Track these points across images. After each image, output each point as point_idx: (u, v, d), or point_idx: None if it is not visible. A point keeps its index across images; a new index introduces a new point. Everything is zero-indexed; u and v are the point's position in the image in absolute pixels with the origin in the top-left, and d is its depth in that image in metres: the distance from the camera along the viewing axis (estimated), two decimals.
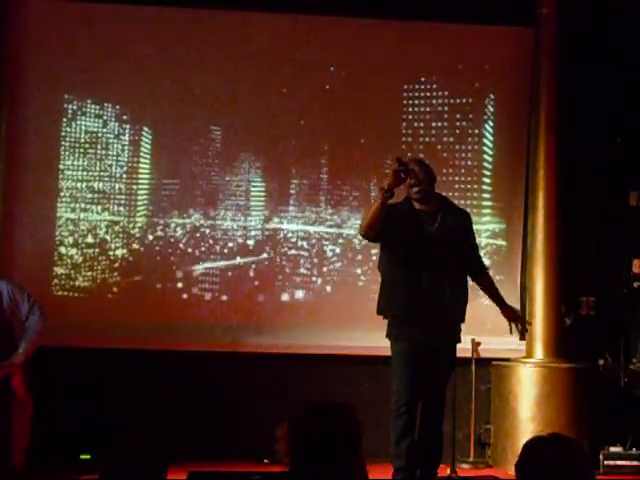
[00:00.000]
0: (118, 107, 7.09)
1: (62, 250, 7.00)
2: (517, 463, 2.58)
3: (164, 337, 6.91)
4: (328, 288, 7.21)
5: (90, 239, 7.03)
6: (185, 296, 7.07)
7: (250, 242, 7.20)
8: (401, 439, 5.33)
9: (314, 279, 7.22)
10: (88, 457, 6.34)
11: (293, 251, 7.24)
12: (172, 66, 7.13)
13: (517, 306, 7.16)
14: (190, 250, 7.13)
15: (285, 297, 7.19)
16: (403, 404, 5.34)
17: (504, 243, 7.34)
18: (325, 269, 7.23)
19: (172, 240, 7.11)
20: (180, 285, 7.08)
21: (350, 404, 2.68)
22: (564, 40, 6.97)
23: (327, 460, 2.53)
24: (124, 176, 7.10)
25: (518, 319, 5.62)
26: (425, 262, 5.36)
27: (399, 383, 5.38)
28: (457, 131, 7.33)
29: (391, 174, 5.29)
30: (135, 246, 7.08)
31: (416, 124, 7.31)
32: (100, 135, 7.09)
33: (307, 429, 2.57)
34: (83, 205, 7.04)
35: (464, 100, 7.32)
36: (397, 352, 5.44)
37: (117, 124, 7.09)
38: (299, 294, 7.20)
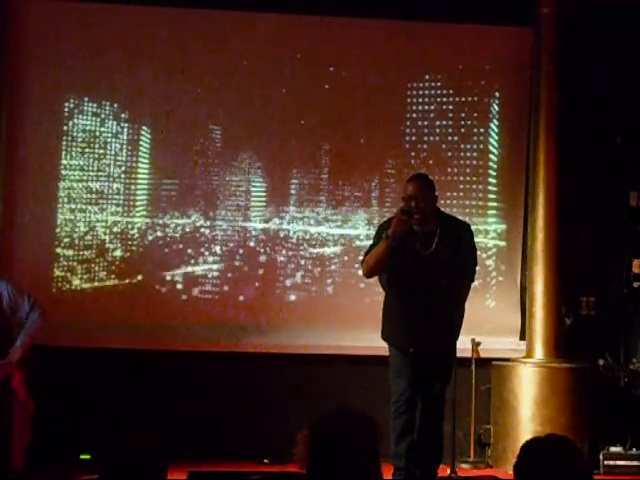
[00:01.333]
0: (117, 106, 7.07)
1: (62, 251, 6.98)
2: (515, 464, 2.58)
3: (164, 337, 6.90)
4: (329, 289, 7.20)
5: (89, 240, 7.01)
6: (185, 297, 7.05)
7: (250, 243, 7.18)
8: (401, 439, 5.33)
9: (315, 280, 7.19)
10: (88, 457, 6.35)
11: (294, 252, 7.22)
12: (172, 66, 7.12)
13: (517, 306, 7.20)
14: (190, 251, 7.11)
15: (286, 298, 7.16)
16: (402, 404, 5.35)
17: (504, 243, 7.33)
18: (326, 270, 7.21)
19: (171, 240, 7.09)
20: (180, 286, 7.06)
21: (370, 415, 2.69)
22: (564, 40, 6.97)
23: (345, 467, 2.54)
24: (123, 176, 7.08)
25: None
26: (422, 286, 5.34)
27: (397, 383, 5.40)
28: (462, 130, 7.30)
29: (395, 222, 5.25)
30: (134, 247, 7.06)
31: (420, 122, 7.29)
32: (99, 135, 7.07)
33: (329, 436, 2.58)
34: (82, 206, 7.03)
35: (468, 99, 7.30)
36: (394, 353, 5.47)
37: (116, 123, 7.07)
38: (300, 295, 7.17)
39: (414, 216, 5.26)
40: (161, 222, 7.09)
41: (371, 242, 5.68)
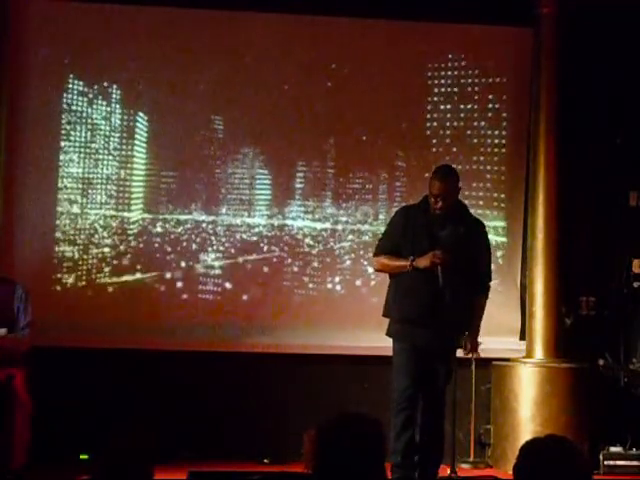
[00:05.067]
0: (118, 98, 6.97)
1: (60, 249, 6.89)
2: (515, 465, 2.59)
3: (164, 337, 6.84)
4: (338, 287, 7.09)
5: (88, 237, 6.91)
6: (185, 296, 6.96)
7: (254, 239, 7.05)
8: (399, 436, 5.34)
9: (322, 278, 7.08)
10: (88, 457, 6.34)
11: (300, 248, 7.09)
12: (173, 59, 7.02)
13: (517, 306, 7.20)
14: (191, 247, 6.99)
15: (292, 297, 7.05)
16: (403, 401, 5.36)
17: (504, 243, 7.33)
18: (335, 267, 7.09)
19: (172, 237, 6.97)
20: (180, 284, 6.96)
21: (377, 419, 2.71)
22: (564, 40, 6.97)
23: (351, 468, 2.55)
24: (120, 168, 6.95)
25: (473, 346, 5.64)
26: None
27: (400, 381, 5.40)
28: (465, 128, 7.29)
29: (428, 262, 5.31)
30: (133, 243, 6.96)
31: (426, 118, 7.26)
32: (97, 127, 6.96)
33: (335, 436, 2.59)
34: (82, 201, 6.92)
35: (467, 99, 7.30)
36: (399, 350, 5.46)
37: (115, 115, 6.96)
38: (307, 294, 7.05)
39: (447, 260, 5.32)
40: (161, 217, 6.97)
41: (385, 232, 5.71)
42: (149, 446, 2.84)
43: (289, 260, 7.10)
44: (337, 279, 7.13)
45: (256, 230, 7.08)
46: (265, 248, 7.08)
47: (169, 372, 6.74)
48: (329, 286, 7.12)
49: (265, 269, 7.07)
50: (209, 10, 7.08)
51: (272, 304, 7.04)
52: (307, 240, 7.13)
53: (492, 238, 7.21)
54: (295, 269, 7.09)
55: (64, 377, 6.59)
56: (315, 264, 7.11)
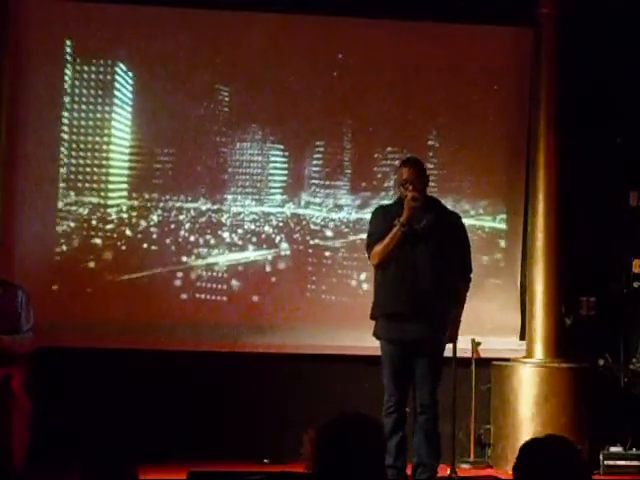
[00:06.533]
0: (117, 96, 6.83)
1: (59, 247, 6.76)
2: (514, 465, 2.60)
3: (164, 337, 6.77)
4: (362, 285, 6.88)
5: (86, 232, 6.72)
6: (185, 295, 6.79)
7: (265, 230, 6.71)
8: (390, 437, 5.39)
9: (342, 274, 6.82)
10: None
11: (316, 241, 6.77)
12: (175, 55, 6.86)
13: (517, 306, 7.21)
14: (193, 239, 6.67)
15: (307, 296, 6.80)
16: (391, 405, 5.45)
17: (504, 243, 7.34)
18: (355, 262, 6.80)
19: (172, 227, 6.64)
20: (181, 281, 6.76)
21: (377, 419, 2.73)
22: (564, 40, 6.98)
23: (350, 469, 2.56)
24: (122, 162, 6.70)
25: (451, 336, 5.61)
26: (411, 258, 5.43)
27: (387, 382, 5.50)
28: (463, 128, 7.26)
29: (408, 210, 5.38)
30: (130, 234, 6.66)
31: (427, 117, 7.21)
32: (96, 123, 6.80)
33: (335, 438, 2.60)
34: (81, 197, 6.72)
35: (467, 100, 7.30)
36: (384, 352, 5.54)
37: (115, 113, 6.79)
38: (323, 292, 6.81)
39: (420, 200, 5.42)
40: (161, 205, 6.63)
41: (369, 231, 5.68)
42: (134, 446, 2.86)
43: (304, 255, 6.76)
44: (359, 275, 6.81)
45: (267, 219, 6.71)
46: (278, 240, 6.75)
47: (169, 372, 6.73)
48: (353, 283, 6.85)
49: (279, 264, 6.73)
50: (210, 10, 7.05)
51: (283, 304, 6.79)
52: (325, 231, 6.79)
53: (492, 238, 7.25)
54: (311, 264, 6.78)
55: (64, 377, 6.59)
56: (339, 259, 6.79)
